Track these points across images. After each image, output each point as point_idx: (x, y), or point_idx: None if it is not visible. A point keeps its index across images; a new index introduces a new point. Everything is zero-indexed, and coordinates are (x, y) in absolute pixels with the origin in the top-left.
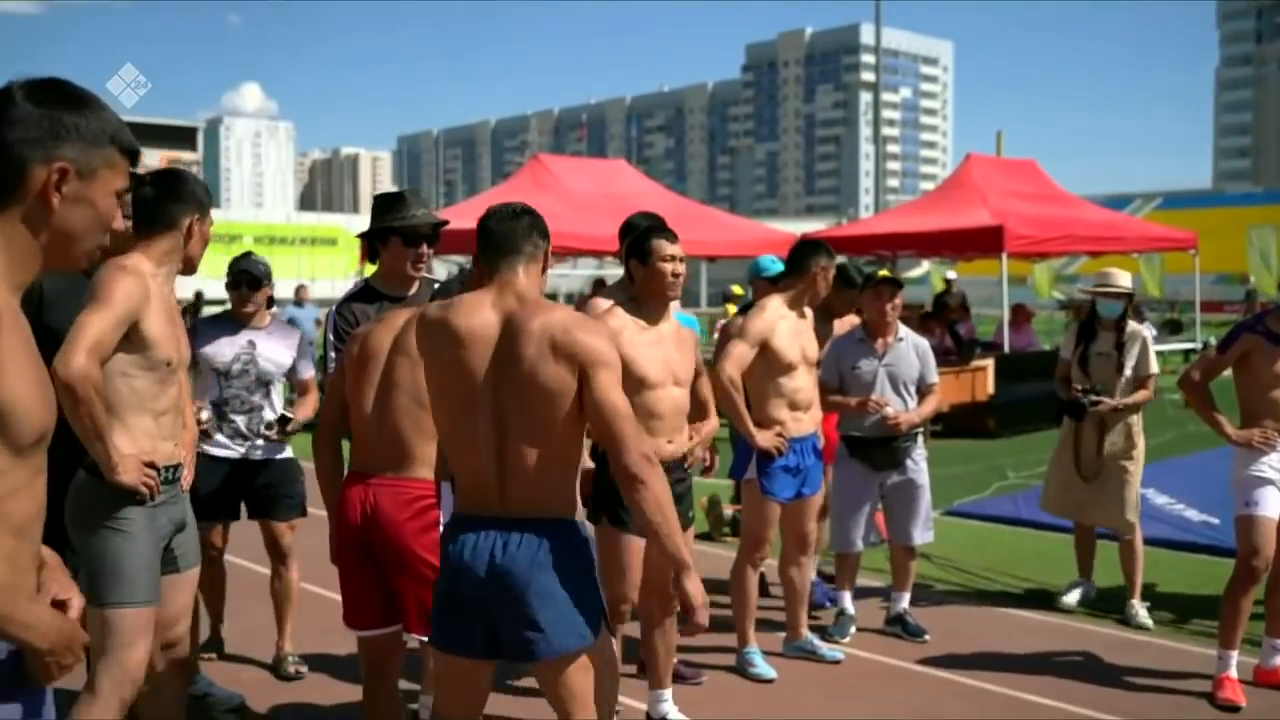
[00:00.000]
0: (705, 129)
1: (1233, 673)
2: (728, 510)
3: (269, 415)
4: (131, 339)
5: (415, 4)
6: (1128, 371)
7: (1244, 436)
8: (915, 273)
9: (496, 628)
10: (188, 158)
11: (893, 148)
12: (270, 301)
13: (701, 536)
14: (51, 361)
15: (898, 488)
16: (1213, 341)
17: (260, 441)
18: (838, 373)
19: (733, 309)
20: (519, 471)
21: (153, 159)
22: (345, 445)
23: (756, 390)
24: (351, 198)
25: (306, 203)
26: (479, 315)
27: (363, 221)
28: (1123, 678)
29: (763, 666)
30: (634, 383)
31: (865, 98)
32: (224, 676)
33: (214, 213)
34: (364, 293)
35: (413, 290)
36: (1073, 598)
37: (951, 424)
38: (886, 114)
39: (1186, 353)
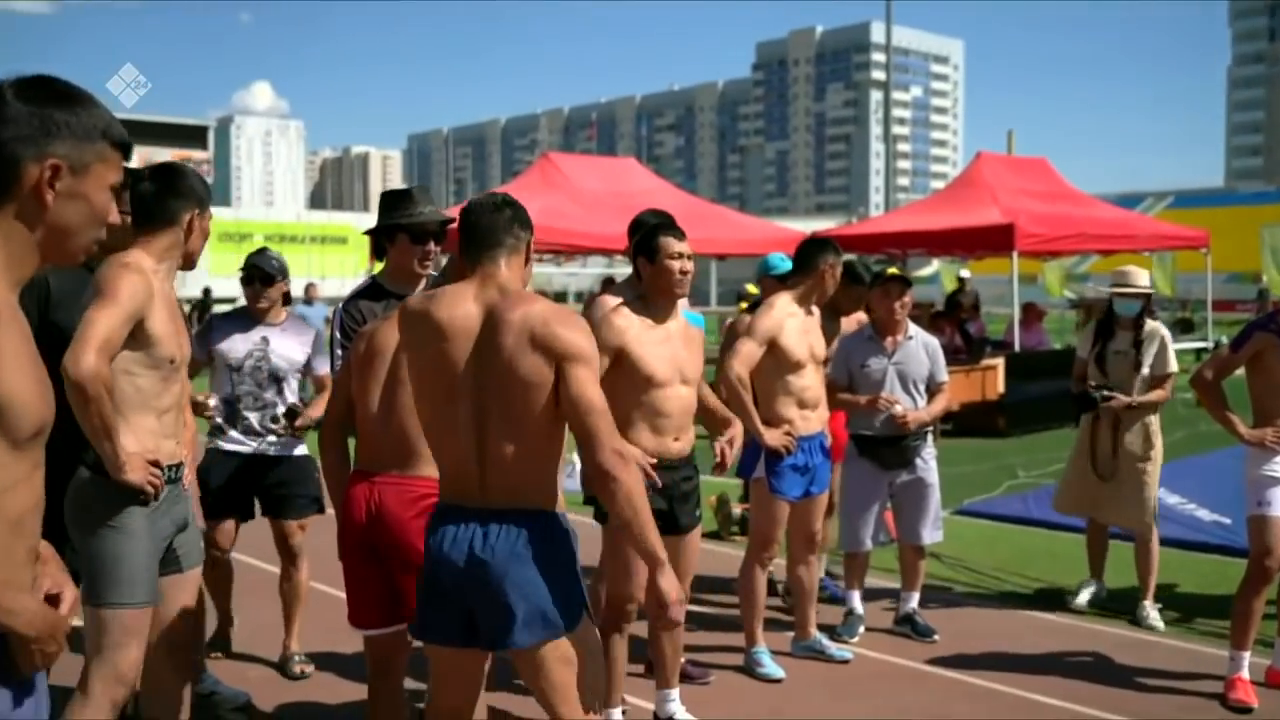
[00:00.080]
0: (715, 128)
1: (1245, 674)
2: (736, 509)
3: (281, 411)
4: (136, 337)
5: (425, 3)
6: (1145, 370)
7: (1257, 436)
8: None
9: (473, 615)
10: (198, 156)
11: (903, 146)
12: (287, 298)
13: (710, 535)
14: (60, 359)
15: (907, 487)
16: (1224, 341)
17: (273, 438)
18: (847, 371)
19: (744, 308)
20: (499, 461)
21: (163, 158)
22: (353, 443)
23: (765, 389)
24: (362, 196)
25: (317, 201)
26: (461, 308)
27: (373, 220)
28: (1133, 678)
29: (771, 666)
30: (641, 381)
31: (876, 96)
32: (230, 675)
33: (225, 211)
34: (371, 290)
35: (420, 288)
36: (1083, 598)
37: (961, 423)
38: (897, 113)
39: (1198, 352)
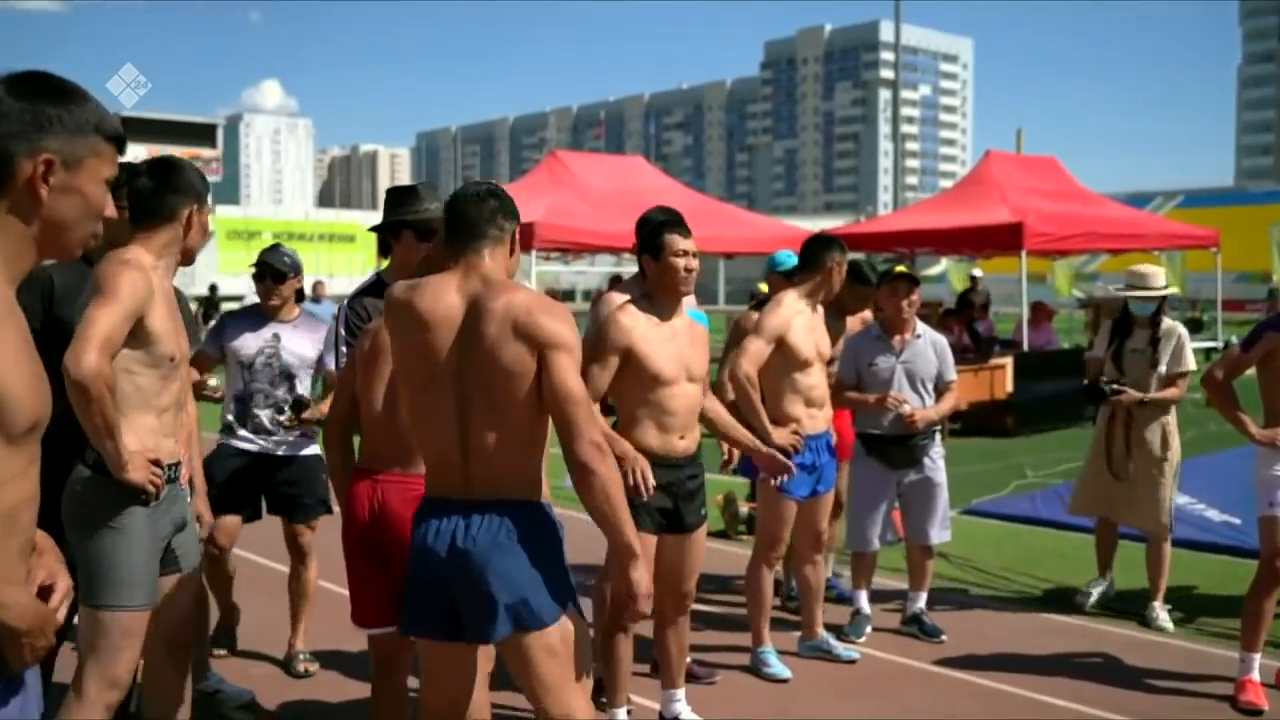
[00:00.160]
0: (724, 126)
1: (1255, 675)
2: (743, 508)
3: (289, 403)
4: (136, 334)
5: (434, 3)
6: (1161, 368)
7: (1267, 436)
8: (934, 270)
9: (456, 606)
10: (207, 154)
11: (912, 145)
12: (300, 295)
13: (717, 534)
14: (64, 354)
15: (915, 486)
16: (1234, 340)
17: (281, 436)
18: (855, 370)
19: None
20: (482, 451)
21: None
22: (358, 440)
23: (771, 387)
24: (370, 194)
25: (325, 199)
26: (444, 299)
27: (380, 218)
28: (1142, 680)
29: (777, 666)
30: (647, 379)
31: (884, 95)
32: (234, 673)
33: (234, 209)
34: (376, 287)
35: None
36: (1092, 598)
37: (970, 422)
38: (906, 111)
39: (1208, 352)
